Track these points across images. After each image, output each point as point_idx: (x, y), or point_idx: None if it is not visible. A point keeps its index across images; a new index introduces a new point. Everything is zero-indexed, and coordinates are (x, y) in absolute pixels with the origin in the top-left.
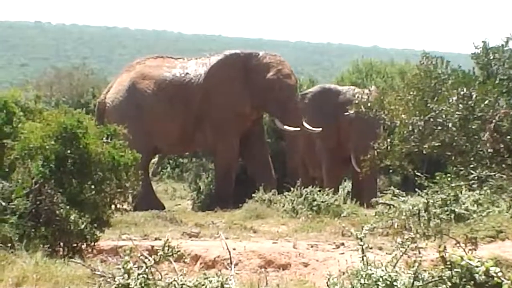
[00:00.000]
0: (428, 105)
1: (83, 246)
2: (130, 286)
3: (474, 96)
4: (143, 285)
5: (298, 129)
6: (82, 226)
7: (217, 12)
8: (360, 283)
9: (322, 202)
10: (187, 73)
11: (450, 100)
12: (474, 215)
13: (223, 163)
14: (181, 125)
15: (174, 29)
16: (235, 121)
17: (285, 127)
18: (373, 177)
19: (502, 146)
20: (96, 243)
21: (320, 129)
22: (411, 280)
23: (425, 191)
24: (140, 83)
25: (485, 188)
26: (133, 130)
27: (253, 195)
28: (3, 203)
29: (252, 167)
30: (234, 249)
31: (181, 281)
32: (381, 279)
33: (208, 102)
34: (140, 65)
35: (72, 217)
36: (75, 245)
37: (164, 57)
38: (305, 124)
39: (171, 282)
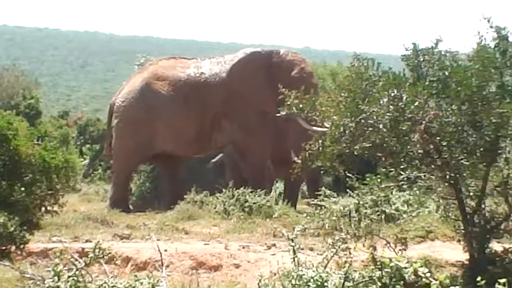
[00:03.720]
0: (359, 106)
1: (13, 249)
2: None
3: (404, 98)
4: (73, 287)
5: (325, 129)
6: (12, 229)
7: (149, 14)
8: (291, 284)
9: (254, 203)
10: (202, 73)
11: (381, 102)
12: (404, 216)
13: (256, 161)
14: (197, 126)
15: (106, 30)
16: (262, 119)
17: (312, 127)
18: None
19: (431, 147)
20: (25, 246)
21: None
22: (342, 281)
23: (356, 191)
24: (153, 83)
25: (415, 188)
26: (136, 132)
27: (185, 196)
28: None
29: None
30: (165, 250)
31: (112, 283)
32: (312, 280)
33: (232, 101)
34: (153, 66)
35: (1, 220)
36: (4, 248)
37: (177, 57)
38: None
39: (102, 284)
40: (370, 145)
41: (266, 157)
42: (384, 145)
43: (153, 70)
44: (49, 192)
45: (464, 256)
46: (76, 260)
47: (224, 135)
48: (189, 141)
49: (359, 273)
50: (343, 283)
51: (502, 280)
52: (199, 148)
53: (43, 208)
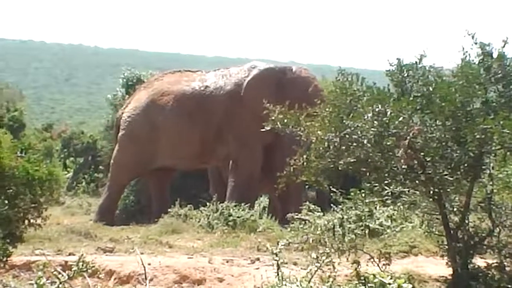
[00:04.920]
0: (344, 121)
1: None
2: None
3: (388, 113)
4: None
5: None
6: None
7: (134, 27)
8: None
9: (238, 217)
10: (206, 86)
11: (365, 117)
12: (388, 231)
13: (245, 171)
14: (202, 139)
15: (90, 43)
16: (262, 135)
17: None
18: (299, 191)
19: (415, 162)
20: (8, 259)
21: None
22: None
23: (340, 206)
24: (158, 100)
25: (398, 204)
26: (139, 147)
27: (169, 210)
28: None
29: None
30: (149, 264)
31: None
32: None
33: (238, 115)
34: (158, 82)
35: None
36: None
37: (182, 71)
38: None
39: None
40: (355, 160)
41: (256, 172)
42: (369, 160)
43: (158, 85)
44: (33, 205)
45: (447, 272)
46: (59, 273)
47: (227, 148)
48: (193, 154)
49: None
50: None
51: None
52: (203, 162)
53: (26, 221)
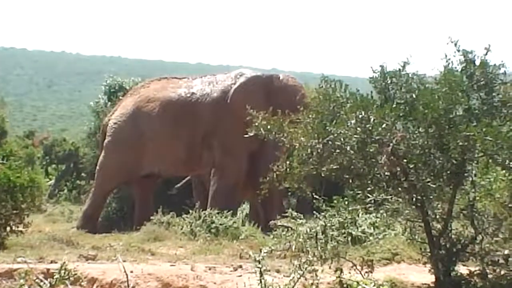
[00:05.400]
0: (327, 128)
1: None
2: None
3: (371, 120)
4: None
5: None
6: None
7: (116, 34)
8: None
9: (221, 224)
10: (193, 93)
11: (348, 123)
12: (371, 238)
13: (229, 178)
14: (188, 146)
15: (72, 50)
16: (247, 142)
17: None
18: (282, 198)
19: (398, 169)
20: None
21: None
22: None
23: (323, 213)
24: (144, 106)
25: (381, 211)
26: (125, 154)
27: (151, 218)
28: None
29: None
30: (131, 271)
31: None
32: None
33: (224, 121)
34: (145, 88)
35: None
36: None
37: (169, 78)
38: None
39: None
40: (337, 166)
41: (240, 180)
42: (351, 167)
43: (144, 92)
44: (14, 211)
45: (430, 279)
46: (41, 281)
47: (212, 155)
48: (180, 161)
49: None
50: None
51: None
52: (189, 168)
53: (8, 228)
